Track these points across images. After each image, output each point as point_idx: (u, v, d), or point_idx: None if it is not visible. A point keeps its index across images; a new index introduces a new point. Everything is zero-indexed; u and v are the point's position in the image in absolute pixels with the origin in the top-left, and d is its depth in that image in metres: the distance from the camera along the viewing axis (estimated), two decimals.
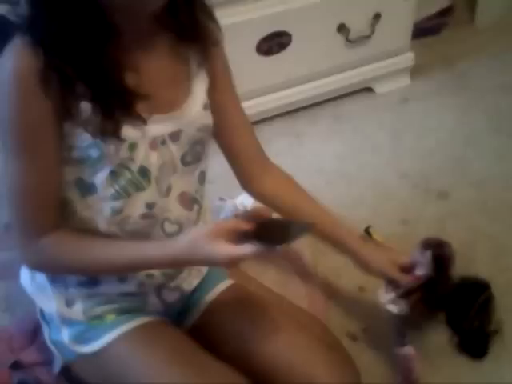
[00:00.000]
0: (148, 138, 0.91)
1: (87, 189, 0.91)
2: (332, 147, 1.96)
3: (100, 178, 0.89)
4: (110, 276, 1.00)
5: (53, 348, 1.08)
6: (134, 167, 0.91)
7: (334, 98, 2.14)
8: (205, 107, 0.98)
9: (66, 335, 1.04)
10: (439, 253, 1.21)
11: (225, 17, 1.79)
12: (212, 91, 1.01)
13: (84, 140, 0.85)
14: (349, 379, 1.03)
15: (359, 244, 1.20)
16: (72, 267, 0.95)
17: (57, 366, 1.11)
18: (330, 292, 1.44)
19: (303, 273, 1.47)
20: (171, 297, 1.08)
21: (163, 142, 0.94)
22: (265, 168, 1.16)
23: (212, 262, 0.91)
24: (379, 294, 1.19)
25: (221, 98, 1.04)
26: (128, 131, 0.88)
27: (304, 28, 1.90)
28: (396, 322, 1.19)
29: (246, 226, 0.87)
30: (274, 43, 1.88)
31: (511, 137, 1.94)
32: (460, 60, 2.32)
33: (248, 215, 0.90)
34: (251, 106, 1.96)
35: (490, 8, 2.50)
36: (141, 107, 0.88)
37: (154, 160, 0.93)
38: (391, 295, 1.17)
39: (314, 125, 2.06)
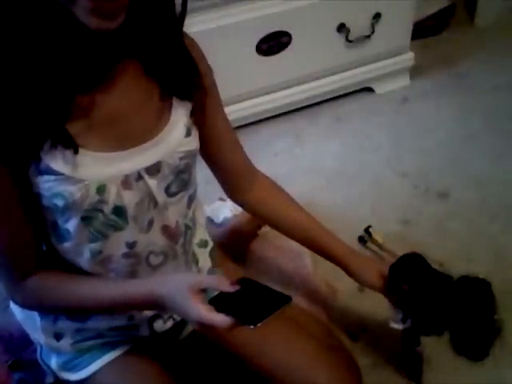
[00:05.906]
0: (119, 177, 0.84)
1: (62, 236, 0.88)
2: (332, 147, 1.96)
3: (72, 224, 0.85)
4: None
5: (43, 366, 1.08)
6: (107, 209, 0.85)
7: (334, 98, 2.14)
8: (187, 133, 0.90)
9: (54, 362, 1.03)
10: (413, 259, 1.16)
11: (225, 17, 1.83)
12: (199, 109, 0.94)
13: (47, 189, 0.81)
14: (350, 381, 1.03)
15: (349, 256, 1.15)
16: (57, 306, 0.93)
17: (49, 379, 1.11)
18: (330, 292, 1.44)
19: (303, 273, 1.47)
20: (164, 327, 1.04)
21: (139, 178, 0.86)
22: (252, 180, 1.12)
23: (186, 316, 0.84)
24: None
25: (207, 113, 0.98)
26: (77, 170, 0.81)
27: (304, 28, 1.90)
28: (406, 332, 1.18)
29: (227, 288, 0.83)
30: (274, 43, 1.88)
31: (511, 137, 1.94)
32: (460, 60, 2.32)
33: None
34: (251, 106, 1.97)
35: (490, 8, 2.50)
36: (106, 141, 0.83)
37: (128, 199, 0.86)
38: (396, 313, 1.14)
39: (314, 125, 2.06)
